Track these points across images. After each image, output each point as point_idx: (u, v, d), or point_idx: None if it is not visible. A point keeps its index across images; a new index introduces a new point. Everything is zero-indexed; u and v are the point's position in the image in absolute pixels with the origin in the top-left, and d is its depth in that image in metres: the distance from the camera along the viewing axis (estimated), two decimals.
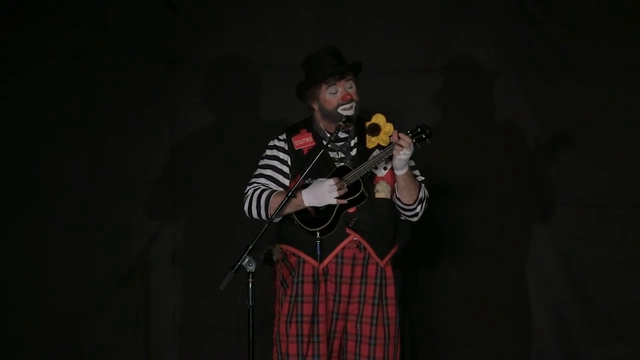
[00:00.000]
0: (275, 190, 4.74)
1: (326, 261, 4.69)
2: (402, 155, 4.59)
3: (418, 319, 5.97)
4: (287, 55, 5.78)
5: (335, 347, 4.74)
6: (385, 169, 4.75)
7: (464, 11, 5.98)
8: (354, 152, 4.77)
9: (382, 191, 4.74)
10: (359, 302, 4.71)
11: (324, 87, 4.70)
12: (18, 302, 5.91)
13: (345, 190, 4.62)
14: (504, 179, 5.95)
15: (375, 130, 4.68)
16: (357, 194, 4.68)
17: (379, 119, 4.69)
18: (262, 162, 4.84)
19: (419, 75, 5.99)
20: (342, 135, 4.77)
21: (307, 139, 4.79)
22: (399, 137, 4.58)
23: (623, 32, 5.85)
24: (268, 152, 4.84)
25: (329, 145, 4.71)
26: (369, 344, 4.70)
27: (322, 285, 4.70)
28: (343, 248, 4.69)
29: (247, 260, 4.42)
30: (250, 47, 6.03)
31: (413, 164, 4.78)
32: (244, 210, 4.80)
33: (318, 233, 4.67)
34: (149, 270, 6.00)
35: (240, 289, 4.43)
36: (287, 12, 6.03)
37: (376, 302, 4.71)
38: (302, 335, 4.68)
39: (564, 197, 5.89)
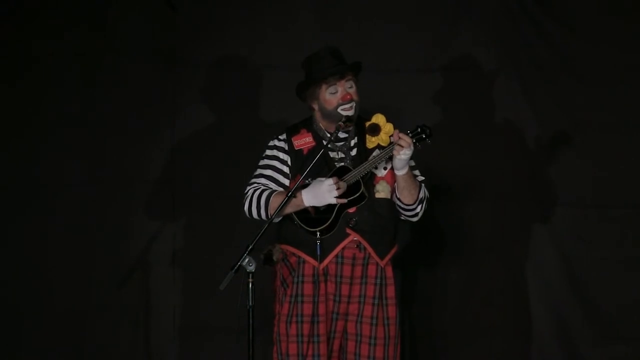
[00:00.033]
0: (275, 191, 4.74)
1: (326, 261, 4.69)
2: (402, 155, 4.59)
3: (418, 319, 5.97)
4: (287, 55, 5.78)
5: (335, 347, 4.74)
6: (385, 169, 4.75)
7: (464, 11, 5.98)
8: (354, 152, 4.77)
9: (382, 191, 4.74)
10: (359, 302, 4.71)
11: (324, 87, 4.70)
12: (18, 302, 5.90)
13: (344, 189, 4.62)
14: (504, 179, 5.95)
15: (375, 130, 4.68)
16: (357, 194, 4.68)
17: (379, 119, 4.69)
18: (262, 162, 4.84)
19: (419, 75, 5.99)
20: (342, 135, 4.77)
21: (307, 139, 4.80)
22: (399, 137, 4.58)
23: (623, 32, 5.85)
24: (268, 152, 4.84)
25: (329, 145, 4.71)
26: (369, 344, 4.70)
27: (322, 285, 4.70)
28: (343, 248, 4.69)
29: (247, 260, 4.42)
30: (250, 47, 6.03)
31: (413, 164, 4.78)
32: (244, 211, 4.80)
33: (318, 233, 4.67)
34: (149, 270, 6.00)
35: (240, 289, 4.42)
36: (287, 12, 6.03)
37: (376, 302, 4.71)
38: (302, 335, 4.68)
39: (564, 197, 5.89)
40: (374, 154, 4.68)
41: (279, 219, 4.73)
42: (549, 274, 5.92)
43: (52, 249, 5.92)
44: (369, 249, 4.70)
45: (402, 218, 4.84)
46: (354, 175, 4.66)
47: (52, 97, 5.93)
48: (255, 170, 4.84)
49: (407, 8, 6.00)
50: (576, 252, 5.89)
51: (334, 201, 4.59)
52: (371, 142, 4.69)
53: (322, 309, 4.69)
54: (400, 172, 4.66)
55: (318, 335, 4.68)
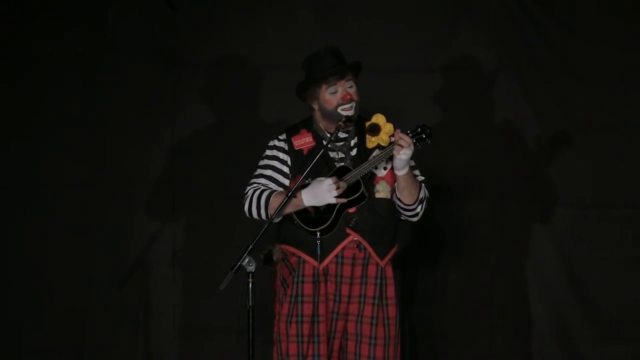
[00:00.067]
0: (275, 191, 4.74)
1: (326, 261, 4.69)
2: (402, 155, 4.58)
3: (418, 319, 5.97)
4: (287, 55, 5.78)
5: (336, 347, 4.74)
6: (385, 169, 4.75)
7: (464, 11, 5.98)
8: (354, 152, 4.76)
9: (382, 191, 4.74)
10: (359, 302, 4.71)
11: (324, 87, 4.70)
12: (18, 302, 5.90)
13: (344, 189, 4.62)
14: (504, 179, 5.95)
15: (375, 130, 4.68)
16: (357, 194, 4.68)
17: (379, 119, 4.69)
18: (262, 162, 4.84)
19: (419, 75, 5.99)
20: (342, 135, 4.77)
21: (307, 139, 4.79)
22: (400, 137, 4.58)
23: (623, 32, 5.85)
24: (268, 152, 4.84)
25: (329, 145, 4.71)
26: (369, 344, 4.69)
27: (322, 285, 4.69)
28: (343, 248, 4.69)
29: (247, 260, 4.42)
30: (250, 47, 6.03)
31: (413, 164, 4.78)
32: (244, 211, 4.80)
33: (318, 233, 4.67)
34: (149, 270, 6.00)
35: (240, 289, 4.42)
36: (287, 12, 6.03)
37: (376, 302, 4.71)
38: (302, 335, 4.68)
39: (564, 197, 5.89)
40: (374, 154, 4.68)
41: (279, 219, 4.73)
42: (549, 274, 5.92)
43: (52, 249, 5.92)
44: (369, 249, 4.70)
45: (402, 218, 4.84)
46: (354, 175, 4.66)
47: (52, 97, 5.93)
48: (255, 170, 4.84)
49: (407, 8, 6.00)
50: (576, 252, 5.89)
51: (333, 201, 4.59)
52: (371, 142, 4.69)
53: (322, 309, 4.69)
54: (401, 172, 4.66)
55: (318, 335, 4.68)
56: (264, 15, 6.03)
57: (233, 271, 4.41)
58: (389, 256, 4.76)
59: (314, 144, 4.77)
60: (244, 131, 5.97)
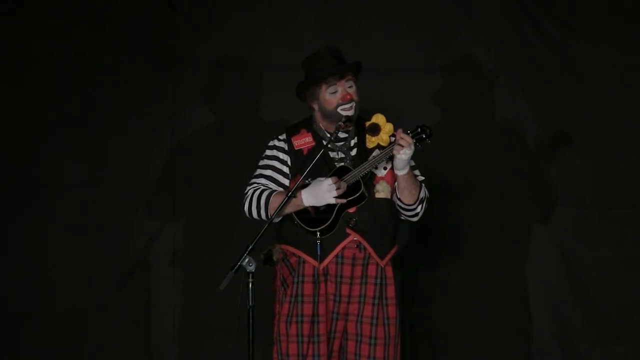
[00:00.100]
0: (275, 191, 4.74)
1: (326, 261, 4.69)
2: (403, 155, 4.58)
3: (418, 319, 5.97)
4: (287, 55, 5.78)
5: (336, 347, 4.74)
6: (385, 169, 4.75)
7: (464, 11, 5.98)
8: (354, 152, 4.76)
9: (382, 191, 4.74)
10: (359, 302, 4.71)
11: (324, 87, 4.70)
12: (18, 302, 5.90)
13: (344, 189, 4.62)
14: (504, 179, 5.95)
15: (375, 130, 4.68)
16: (357, 194, 4.68)
17: (379, 119, 4.69)
18: (262, 162, 4.84)
19: (419, 75, 5.99)
20: (342, 135, 4.77)
21: (307, 139, 4.79)
22: (400, 137, 4.58)
23: (623, 32, 5.85)
24: (268, 152, 4.83)
25: (329, 145, 4.71)
26: (369, 344, 4.69)
27: (322, 285, 4.69)
28: (343, 248, 4.69)
29: (247, 260, 4.42)
30: (250, 47, 6.03)
31: (413, 163, 4.78)
32: (244, 211, 4.79)
33: (318, 233, 4.67)
34: (149, 270, 6.00)
35: (240, 289, 4.42)
36: (287, 12, 6.03)
37: (376, 302, 4.71)
38: (302, 335, 4.68)
39: (564, 197, 5.89)
40: (374, 154, 4.68)
41: (279, 219, 4.73)
42: (549, 274, 5.92)
43: (52, 249, 5.92)
44: (369, 249, 4.70)
45: (402, 218, 4.84)
46: (354, 175, 4.66)
47: (52, 97, 5.93)
48: (255, 170, 4.84)
49: (407, 8, 6.00)
50: (576, 252, 5.89)
51: (333, 201, 4.59)
52: (371, 142, 4.69)
53: (322, 309, 4.69)
54: (401, 172, 4.66)
55: (318, 335, 4.68)
56: (264, 15, 6.03)
57: (233, 271, 4.41)
58: (389, 256, 4.76)
59: (314, 144, 4.77)
60: (244, 131, 5.97)
